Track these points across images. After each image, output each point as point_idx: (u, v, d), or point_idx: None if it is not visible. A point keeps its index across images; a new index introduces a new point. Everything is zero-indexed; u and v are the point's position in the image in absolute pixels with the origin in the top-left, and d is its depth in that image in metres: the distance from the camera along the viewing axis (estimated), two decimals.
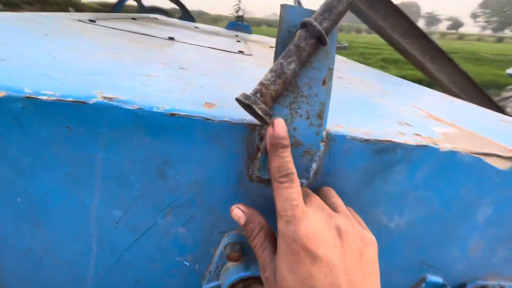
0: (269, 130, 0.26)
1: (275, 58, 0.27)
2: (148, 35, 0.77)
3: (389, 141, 0.32)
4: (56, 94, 0.26)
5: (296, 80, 0.28)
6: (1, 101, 0.25)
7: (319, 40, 0.25)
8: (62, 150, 0.28)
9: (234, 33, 1.70)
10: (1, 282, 0.36)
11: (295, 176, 0.26)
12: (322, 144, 0.30)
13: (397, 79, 0.98)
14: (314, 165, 0.31)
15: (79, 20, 0.74)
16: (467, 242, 0.42)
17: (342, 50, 13.73)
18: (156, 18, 1.48)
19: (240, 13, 1.86)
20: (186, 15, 2.19)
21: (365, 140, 0.31)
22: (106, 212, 0.32)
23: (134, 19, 1.12)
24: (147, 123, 0.27)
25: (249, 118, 0.29)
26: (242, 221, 0.28)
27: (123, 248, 0.35)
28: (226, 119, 0.28)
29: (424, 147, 0.32)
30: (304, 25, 0.25)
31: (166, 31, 0.95)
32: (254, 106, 0.24)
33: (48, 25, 0.59)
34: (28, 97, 0.25)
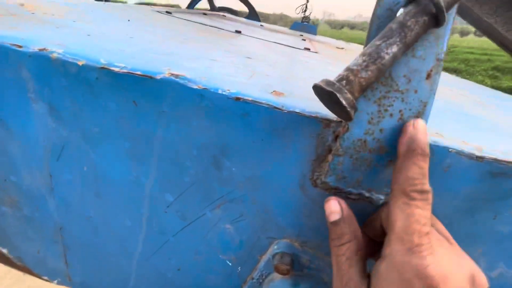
0: (410, 129, 0.21)
1: (367, 43, 0.22)
2: (217, 27, 0.78)
3: (508, 161, 0.23)
4: (127, 67, 0.25)
5: (390, 69, 0.22)
6: (80, 70, 0.26)
7: (435, 19, 0.20)
8: (126, 124, 0.28)
9: (299, 33, 1.66)
10: (60, 237, 0.39)
11: (431, 195, 0.20)
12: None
13: (492, 90, 0.81)
14: None
15: (158, 11, 0.80)
16: None
17: None
18: (224, 15, 1.53)
19: (306, 13, 1.81)
20: (252, 14, 2.23)
21: (477, 157, 0.23)
22: (159, 194, 0.31)
23: (205, 14, 1.17)
24: (210, 105, 0.25)
25: (323, 112, 0.24)
26: (335, 217, 0.23)
27: (170, 233, 0.34)
28: (297, 110, 0.24)
29: None
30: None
31: (233, 26, 0.96)
32: (338, 95, 0.19)
33: (131, 13, 0.64)
34: (103, 68, 0.25)
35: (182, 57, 0.33)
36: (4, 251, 0.44)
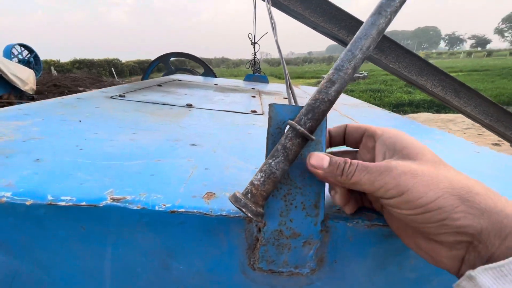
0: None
1: (266, 154, 0.29)
2: (169, 104, 0.85)
3: None
4: (73, 200, 0.29)
5: (289, 172, 0.29)
6: (28, 208, 0.29)
7: (305, 139, 0.27)
8: (76, 246, 0.31)
9: (251, 85, 1.81)
10: None
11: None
12: (321, 233, 0.29)
13: (414, 124, 0.95)
14: (316, 254, 0.30)
15: (111, 97, 0.85)
16: None
17: (362, 79, 13.61)
18: (180, 80, 1.64)
19: (256, 67, 2.02)
20: (208, 72, 2.41)
21: (369, 225, 0.30)
22: None
23: (160, 85, 1.26)
24: (150, 220, 0.29)
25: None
26: (325, 162, 0.26)
27: None
28: (224, 213, 0.29)
29: None
30: (290, 127, 0.27)
31: (186, 97, 1.04)
32: (243, 210, 0.25)
33: (83, 108, 0.69)
34: (50, 204, 0.29)
35: (126, 168, 0.37)
36: None
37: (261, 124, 0.72)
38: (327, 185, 0.30)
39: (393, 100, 9.21)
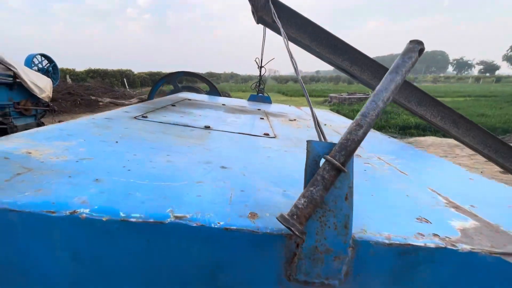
0: None
1: (305, 183, 0.35)
2: (189, 126, 0.92)
3: (409, 244, 0.36)
4: (142, 217, 0.35)
5: (327, 202, 0.35)
6: (104, 224, 0.34)
7: (339, 171, 0.33)
8: (139, 258, 0.36)
9: (256, 105, 1.90)
10: None
11: None
12: (349, 249, 0.35)
13: (412, 150, 1.03)
14: (344, 268, 0.36)
15: (135, 118, 0.92)
16: None
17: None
18: (189, 99, 1.72)
19: (260, 87, 2.12)
20: (213, 89, 2.51)
21: (387, 244, 0.36)
22: None
23: (173, 105, 1.33)
24: (206, 235, 0.35)
25: (286, 229, 0.35)
26: None
27: None
28: (268, 231, 0.35)
29: (443, 249, 0.36)
30: (327, 161, 0.33)
31: (201, 118, 1.11)
32: (292, 228, 0.30)
33: (114, 129, 0.74)
34: (122, 220, 0.34)
35: (174, 189, 0.43)
36: None
37: (277, 148, 0.78)
38: (354, 207, 0.36)
39: (400, 122, 8.99)
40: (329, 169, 0.33)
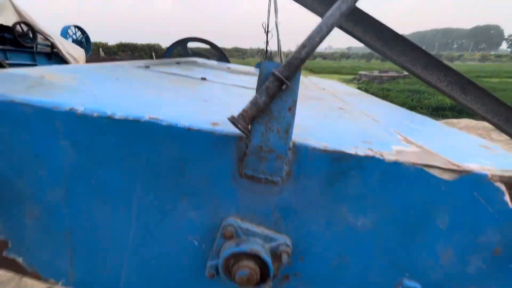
0: None
1: (256, 92, 0.42)
2: (186, 76, 0.99)
3: (342, 151, 0.43)
4: (123, 115, 0.43)
5: (270, 107, 0.42)
6: (94, 119, 0.43)
7: (282, 82, 0.40)
8: (122, 150, 0.45)
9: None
10: (69, 241, 0.52)
11: None
12: (289, 152, 0.43)
13: (417, 116, 1.05)
14: (285, 168, 0.43)
15: (139, 67, 1.00)
16: (435, 248, 0.48)
17: (405, 78, 12.05)
18: (196, 61, 1.78)
19: (267, 55, 2.13)
20: (222, 57, 2.54)
21: (323, 150, 0.43)
22: (144, 195, 0.47)
23: (178, 63, 1.40)
24: (175, 133, 0.43)
25: (238, 132, 0.43)
26: None
27: (152, 225, 0.49)
28: (223, 133, 0.43)
29: (371, 158, 0.43)
30: (271, 74, 0.40)
31: (201, 73, 1.18)
32: (236, 123, 0.38)
33: (118, 72, 0.83)
34: (109, 117, 0.43)
35: (156, 105, 0.51)
36: (19, 259, 0.56)
37: None
38: (295, 117, 0.43)
39: (433, 103, 8.45)
40: (273, 80, 0.40)
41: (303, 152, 0.43)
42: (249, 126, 0.39)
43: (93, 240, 0.52)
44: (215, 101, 0.65)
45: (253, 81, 1.22)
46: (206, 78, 1.01)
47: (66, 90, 0.52)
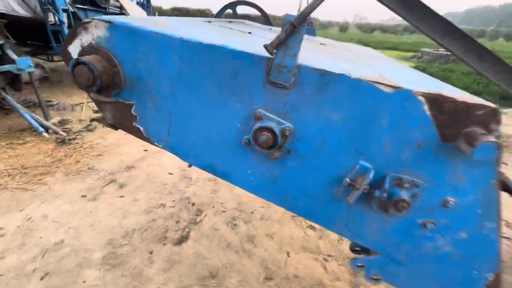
0: None
1: (281, 32, 0.74)
2: (238, 30, 1.32)
3: (325, 70, 0.74)
4: (208, 42, 0.79)
5: (287, 41, 0.74)
6: (193, 44, 0.80)
7: (294, 27, 0.71)
8: (205, 64, 0.82)
9: None
10: (169, 118, 0.94)
11: None
12: (295, 68, 0.75)
13: (407, 69, 1.26)
14: (292, 78, 0.76)
15: (203, 21, 1.35)
16: (381, 140, 0.79)
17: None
18: (244, 22, 2.08)
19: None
20: (267, 21, 2.77)
21: (314, 69, 0.75)
22: (213, 92, 0.85)
23: (230, 21, 1.72)
24: (234, 55, 0.78)
25: (267, 54, 0.76)
26: None
27: (216, 112, 0.88)
28: (259, 54, 0.77)
29: (342, 75, 0.73)
30: (289, 21, 0.71)
31: (248, 29, 1.50)
32: (267, 48, 0.72)
33: (192, 22, 1.20)
34: (200, 42, 0.80)
35: (222, 40, 0.87)
36: (141, 128, 1.00)
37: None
38: (306, 53, 0.75)
39: (502, 91, 7.89)
40: (290, 25, 0.71)
41: (303, 69, 0.75)
42: (274, 51, 0.73)
43: (182, 119, 0.93)
44: (256, 42, 0.98)
45: None
46: (251, 33, 1.33)
47: (171, 28, 0.90)
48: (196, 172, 3.13)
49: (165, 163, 3.26)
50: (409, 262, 0.97)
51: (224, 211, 2.61)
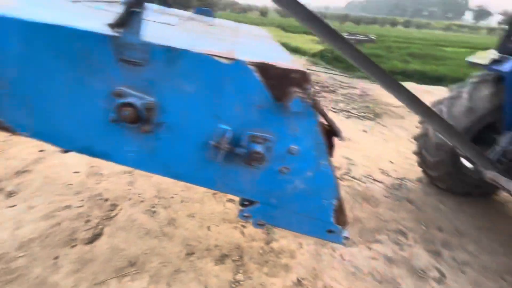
0: None
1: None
2: (108, 11, 1.29)
3: (169, 46, 0.84)
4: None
5: (129, 21, 0.79)
6: (16, 24, 0.78)
7: (131, 6, 0.77)
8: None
9: (194, 15, 2.20)
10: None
11: None
12: (142, 45, 0.82)
13: (273, 45, 1.48)
14: (143, 55, 0.83)
15: (69, 1, 1.27)
16: (232, 104, 0.94)
17: (370, 43, 12.88)
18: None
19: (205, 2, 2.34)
20: (164, 2, 2.69)
21: (159, 45, 0.83)
22: (64, 73, 0.85)
23: (110, 2, 1.63)
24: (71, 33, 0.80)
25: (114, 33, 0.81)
26: None
27: (68, 92, 0.88)
28: (105, 32, 0.81)
29: (184, 50, 0.84)
30: (126, 1, 0.77)
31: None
32: (109, 24, 0.76)
33: (49, 1, 1.11)
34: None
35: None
36: (0, 119, 0.92)
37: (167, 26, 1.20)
38: (162, 31, 0.82)
39: (388, 67, 9.51)
40: (126, 4, 0.77)
41: (150, 46, 0.83)
42: (117, 30, 0.78)
43: (43, 103, 0.90)
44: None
45: (170, 20, 1.54)
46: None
47: (14, 9, 0.84)
48: (108, 167, 2.92)
49: (69, 162, 2.92)
50: (280, 204, 1.20)
51: (142, 201, 2.56)
